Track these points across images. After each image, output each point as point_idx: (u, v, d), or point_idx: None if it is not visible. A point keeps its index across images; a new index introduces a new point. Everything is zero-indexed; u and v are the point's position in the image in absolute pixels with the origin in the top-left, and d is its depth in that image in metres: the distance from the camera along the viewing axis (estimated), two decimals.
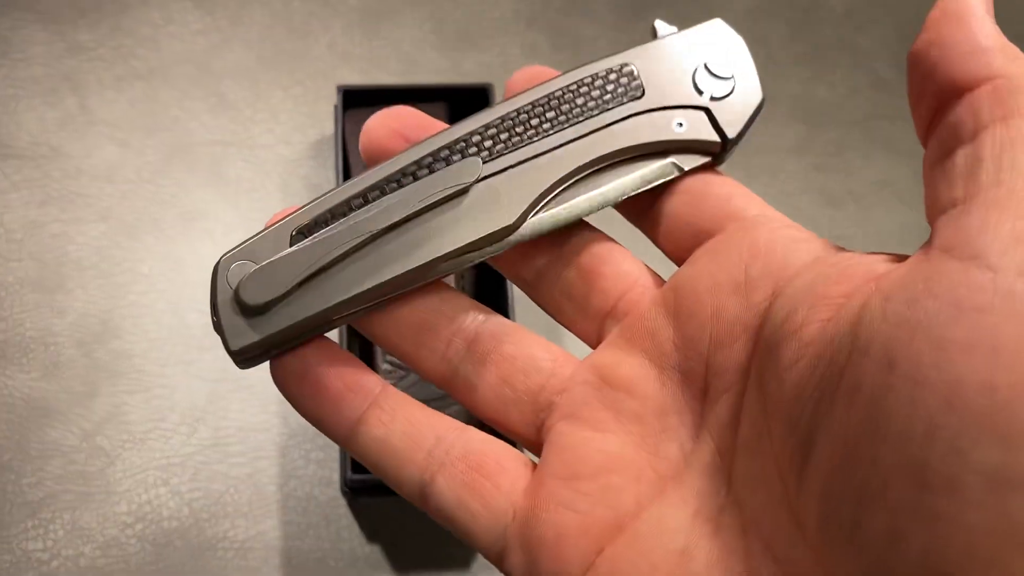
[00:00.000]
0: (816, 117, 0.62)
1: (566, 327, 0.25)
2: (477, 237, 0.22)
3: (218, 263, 0.22)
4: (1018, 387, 0.15)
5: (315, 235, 0.22)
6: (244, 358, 0.22)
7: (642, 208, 0.25)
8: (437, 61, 0.61)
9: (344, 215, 0.22)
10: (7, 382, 0.51)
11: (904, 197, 0.60)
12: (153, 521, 0.48)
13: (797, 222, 0.59)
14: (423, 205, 0.22)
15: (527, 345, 0.24)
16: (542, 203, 0.23)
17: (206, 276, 0.56)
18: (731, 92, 0.24)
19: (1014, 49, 0.18)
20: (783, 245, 0.21)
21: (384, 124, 0.24)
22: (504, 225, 0.22)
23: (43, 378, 0.51)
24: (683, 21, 0.25)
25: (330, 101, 0.59)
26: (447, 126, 0.24)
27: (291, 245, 0.22)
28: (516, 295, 0.48)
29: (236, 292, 0.22)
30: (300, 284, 0.22)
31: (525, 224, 0.23)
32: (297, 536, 0.49)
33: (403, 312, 0.23)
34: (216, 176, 0.57)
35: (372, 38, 0.61)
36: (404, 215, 0.22)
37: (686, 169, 0.24)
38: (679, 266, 0.24)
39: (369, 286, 0.22)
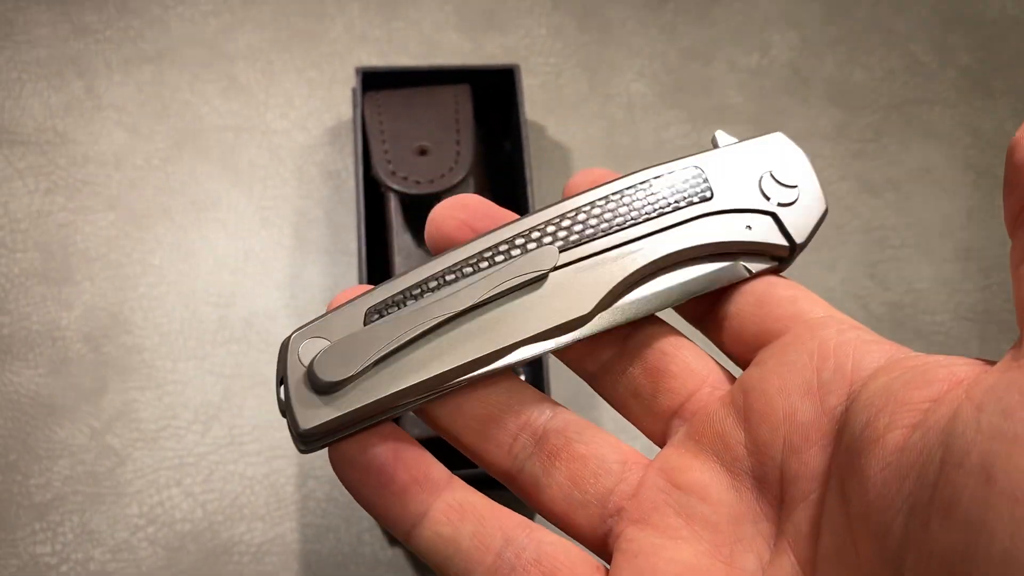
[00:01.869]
0: (853, 101, 0.59)
1: (632, 423, 0.24)
2: (552, 325, 0.22)
3: (289, 339, 0.22)
4: None
5: (391, 315, 0.22)
6: (311, 439, 0.21)
7: (703, 309, 0.24)
8: (459, 43, 0.58)
9: (419, 296, 0.22)
10: (12, 378, 0.48)
11: (945, 185, 0.57)
12: (165, 524, 0.46)
13: (836, 210, 0.58)
14: (501, 289, 0.22)
15: (598, 445, 0.23)
16: (613, 298, 0.23)
17: (219, 267, 0.54)
18: (796, 200, 0.24)
19: None
20: (854, 347, 0.21)
21: (452, 215, 0.23)
22: (579, 315, 0.22)
23: (50, 374, 0.49)
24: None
25: (347, 84, 0.56)
26: (515, 216, 0.24)
27: (365, 324, 0.22)
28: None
29: (311, 368, 0.21)
30: (376, 363, 0.21)
31: (595, 318, 0.23)
32: (316, 539, 0.46)
33: (469, 403, 0.23)
34: (228, 163, 0.54)
35: (391, 19, 0.59)
36: (482, 298, 0.22)
37: (753, 272, 0.24)
38: (741, 367, 0.23)
39: (444, 369, 0.21)
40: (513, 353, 0.22)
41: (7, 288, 0.51)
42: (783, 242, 0.24)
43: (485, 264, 0.22)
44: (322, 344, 0.21)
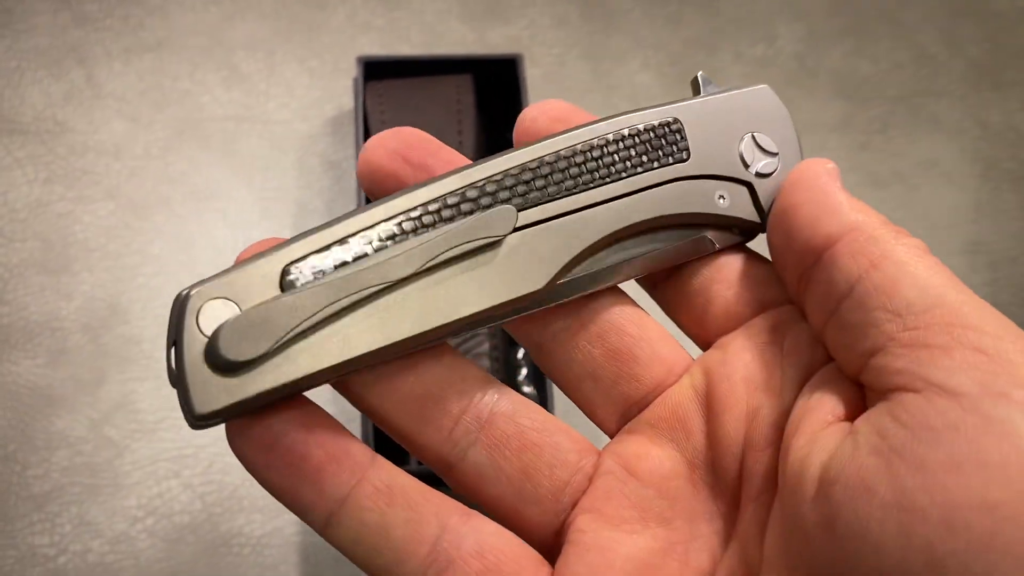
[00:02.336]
0: (859, 93, 0.58)
1: (579, 406, 0.22)
2: (502, 300, 0.19)
3: (186, 296, 0.18)
4: (1017, 503, 0.15)
5: (317, 279, 0.18)
6: (207, 420, 0.18)
7: (663, 281, 0.22)
8: (461, 33, 0.58)
9: (349, 255, 0.18)
10: (11, 368, 0.48)
11: (952, 177, 0.57)
12: (164, 515, 0.46)
13: None
14: (449, 256, 0.19)
15: (551, 432, 0.21)
16: (569, 268, 0.20)
17: (219, 257, 0.53)
18: (775, 171, 0.21)
19: (859, 202, 0.19)
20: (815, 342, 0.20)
21: (384, 144, 0.20)
22: (533, 290, 0.19)
23: (49, 365, 0.48)
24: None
25: (349, 74, 0.56)
26: (461, 157, 0.21)
27: (282, 286, 0.18)
28: None
29: (213, 341, 0.17)
30: (293, 339, 0.18)
31: (553, 288, 0.20)
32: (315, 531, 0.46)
33: (403, 379, 0.20)
34: (229, 153, 0.54)
35: (393, 9, 0.58)
36: (423, 265, 0.18)
37: (718, 247, 0.21)
38: (700, 347, 0.22)
39: (372, 348, 0.18)
40: (455, 329, 0.19)
41: (6, 278, 0.50)
42: (755, 218, 0.21)
43: (430, 220, 0.19)
44: (228, 309, 0.18)
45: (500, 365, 0.45)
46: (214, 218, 0.52)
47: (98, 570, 0.45)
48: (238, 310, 0.18)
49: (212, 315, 0.17)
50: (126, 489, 0.46)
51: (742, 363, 0.20)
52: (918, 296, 0.17)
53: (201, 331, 0.17)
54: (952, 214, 0.55)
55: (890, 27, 0.60)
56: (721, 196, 0.21)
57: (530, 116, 0.21)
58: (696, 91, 0.22)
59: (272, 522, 0.46)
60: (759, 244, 0.22)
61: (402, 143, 0.20)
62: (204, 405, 0.17)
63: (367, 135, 0.49)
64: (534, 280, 0.19)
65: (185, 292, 0.18)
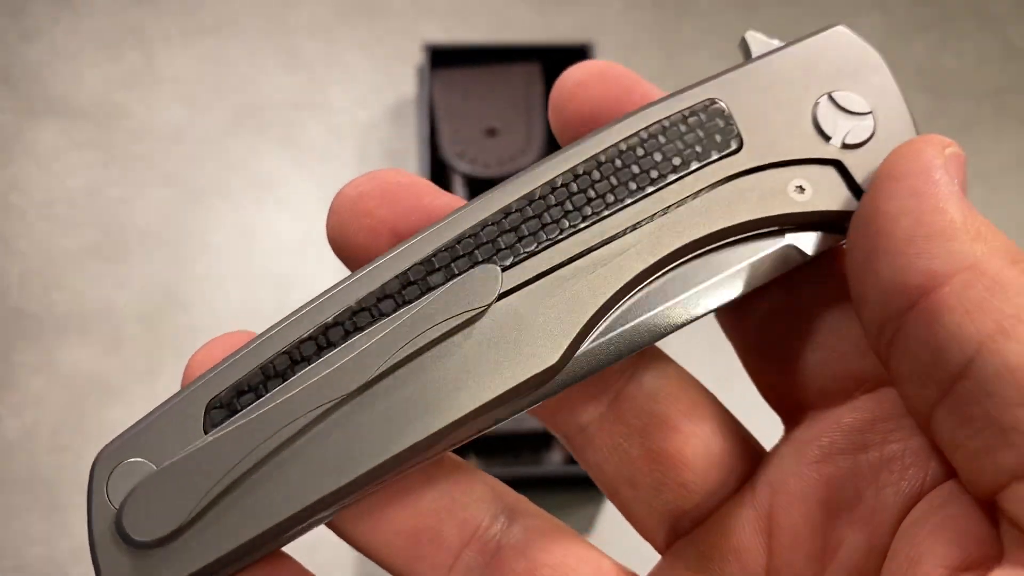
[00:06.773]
0: (942, 89, 0.56)
1: (620, 511, 0.17)
2: (499, 392, 0.15)
3: (96, 459, 0.15)
4: None
5: (245, 411, 0.15)
6: None
7: (741, 314, 0.17)
8: (528, 17, 0.56)
9: (288, 371, 0.15)
10: (66, 356, 0.48)
11: None
12: None
13: None
14: (406, 352, 0.15)
15: (573, 569, 0.16)
16: (597, 325, 0.16)
17: (278, 249, 0.52)
18: (872, 135, 0.16)
19: (980, 219, 0.13)
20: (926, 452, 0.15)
21: (364, 210, 0.16)
22: (540, 369, 0.15)
23: (104, 354, 0.48)
24: None
25: (411, 61, 0.54)
26: (452, 199, 0.16)
27: (206, 429, 0.15)
28: None
29: (119, 516, 0.14)
30: (222, 495, 0.14)
31: (573, 359, 0.15)
32: None
33: (393, 510, 0.16)
34: (288, 140, 0.53)
35: None
36: (380, 367, 0.15)
37: (810, 254, 0.16)
38: (784, 418, 0.17)
39: (334, 487, 0.15)
40: (445, 440, 0.15)
41: (63, 264, 0.50)
42: (852, 206, 0.16)
43: (388, 306, 0.15)
44: (143, 470, 0.15)
45: None
46: (274, 207, 0.51)
47: None
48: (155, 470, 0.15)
49: (124, 480, 0.15)
50: None
51: (821, 477, 0.15)
52: None
53: (111, 502, 0.15)
54: None
55: (977, 19, 0.58)
56: (799, 187, 0.16)
57: (572, 81, 0.16)
58: (747, 56, 0.17)
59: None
60: None
61: (384, 203, 0.16)
62: None
63: (433, 127, 0.47)
64: (543, 353, 0.15)
65: (97, 456, 0.15)
